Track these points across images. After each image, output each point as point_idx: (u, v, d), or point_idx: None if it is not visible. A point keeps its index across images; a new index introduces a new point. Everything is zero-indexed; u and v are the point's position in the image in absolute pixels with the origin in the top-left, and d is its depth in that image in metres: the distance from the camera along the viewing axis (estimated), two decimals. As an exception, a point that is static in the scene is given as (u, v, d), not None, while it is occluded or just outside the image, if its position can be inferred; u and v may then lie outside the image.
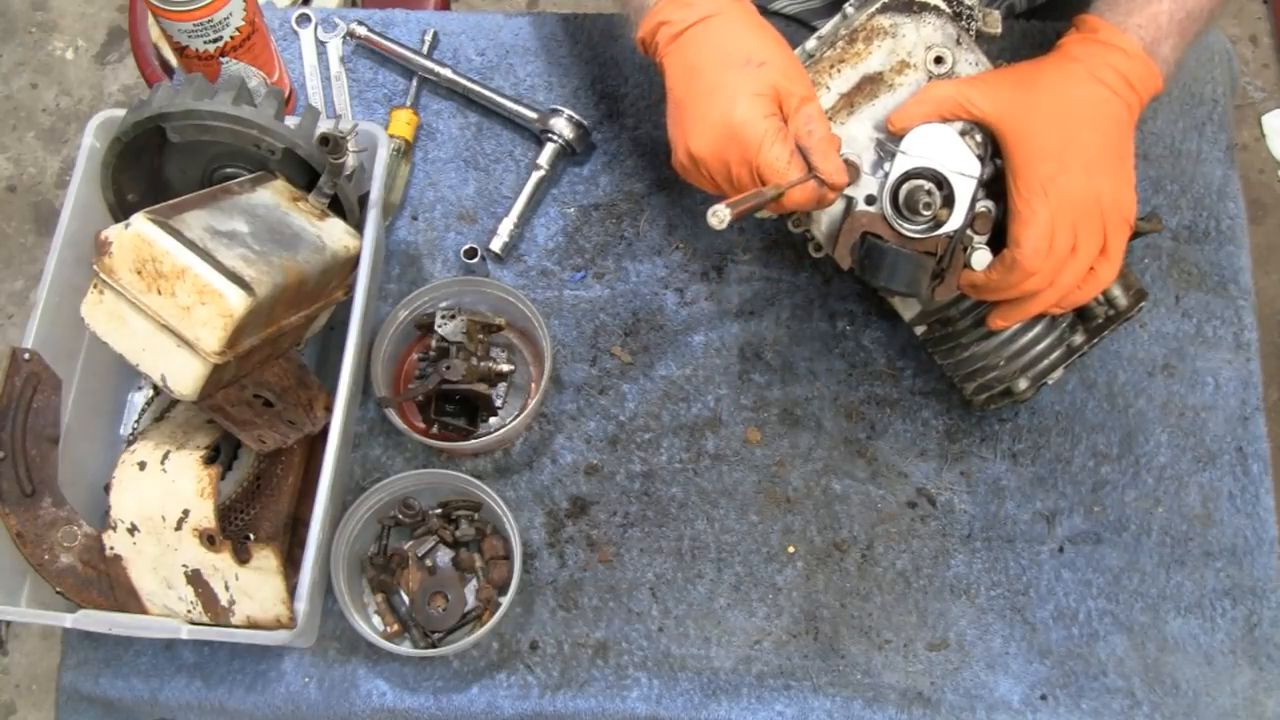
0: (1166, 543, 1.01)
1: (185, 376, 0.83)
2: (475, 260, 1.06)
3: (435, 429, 1.02)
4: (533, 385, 1.06)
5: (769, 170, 0.83)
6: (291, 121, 0.94)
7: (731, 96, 0.84)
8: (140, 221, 0.81)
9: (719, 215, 0.77)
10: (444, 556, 1.01)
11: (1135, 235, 0.89)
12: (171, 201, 0.86)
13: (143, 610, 0.90)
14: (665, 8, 0.89)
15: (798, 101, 0.85)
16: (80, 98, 2.34)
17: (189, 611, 0.89)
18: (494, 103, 1.14)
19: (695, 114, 0.86)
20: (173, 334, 0.82)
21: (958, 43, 0.90)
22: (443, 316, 1.00)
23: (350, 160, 1.00)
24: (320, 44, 1.18)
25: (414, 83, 1.16)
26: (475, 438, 1.02)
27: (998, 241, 0.88)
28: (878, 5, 0.90)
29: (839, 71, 0.91)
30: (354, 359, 0.93)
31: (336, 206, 0.98)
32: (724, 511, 1.02)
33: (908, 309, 0.98)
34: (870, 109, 0.91)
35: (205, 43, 1.01)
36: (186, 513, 0.87)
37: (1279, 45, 2.31)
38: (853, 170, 0.89)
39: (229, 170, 0.96)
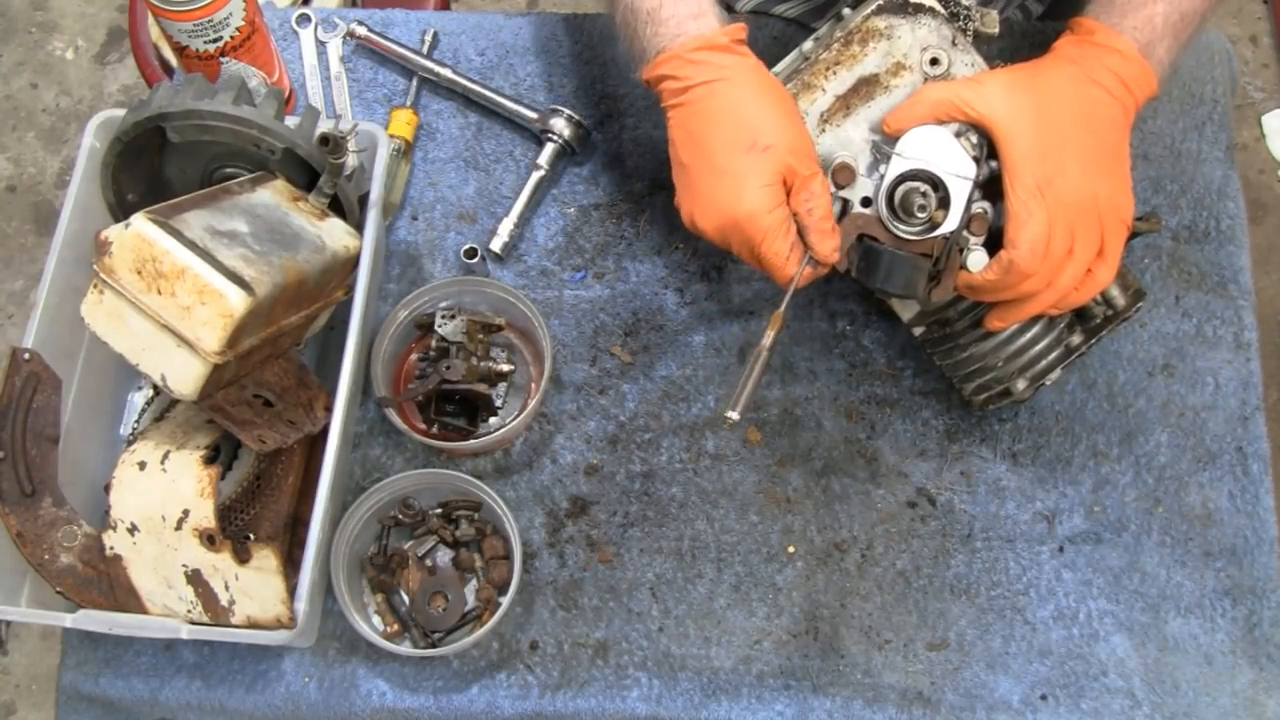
0: (1166, 543, 1.01)
1: (185, 376, 0.83)
2: (475, 260, 1.06)
3: (435, 429, 1.02)
4: (533, 385, 1.06)
5: (771, 263, 0.86)
6: (291, 121, 0.94)
7: (739, 187, 0.85)
8: (140, 221, 0.81)
9: (732, 418, 0.83)
10: (444, 556, 1.01)
11: (1134, 235, 0.89)
12: (171, 201, 0.86)
13: (143, 610, 0.90)
14: (669, 62, 0.88)
15: (800, 181, 0.85)
16: (80, 98, 2.34)
17: (189, 611, 0.89)
18: (494, 103, 1.14)
19: (703, 191, 0.87)
20: (173, 334, 0.82)
21: (953, 44, 0.90)
22: (443, 316, 1.00)
23: (350, 160, 1.00)
24: (320, 44, 1.18)
25: (414, 83, 1.16)
26: (475, 438, 1.02)
27: (995, 243, 0.88)
28: (873, 7, 0.90)
29: (835, 74, 0.91)
30: (354, 359, 0.93)
31: (336, 206, 0.98)
32: (724, 511, 1.02)
33: (906, 310, 0.98)
34: (866, 111, 0.91)
35: (205, 43, 1.01)
36: (186, 513, 0.87)
37: (1279, 45, 2.31)
38: (848, 173, 0.89)
39: (229, 170, 0.96)
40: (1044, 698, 0.96)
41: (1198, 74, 1.15)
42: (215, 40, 1.01)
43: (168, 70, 1.47)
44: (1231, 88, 1.16)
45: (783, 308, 0.87)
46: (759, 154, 0.85)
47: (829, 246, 0.86)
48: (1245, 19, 2.34)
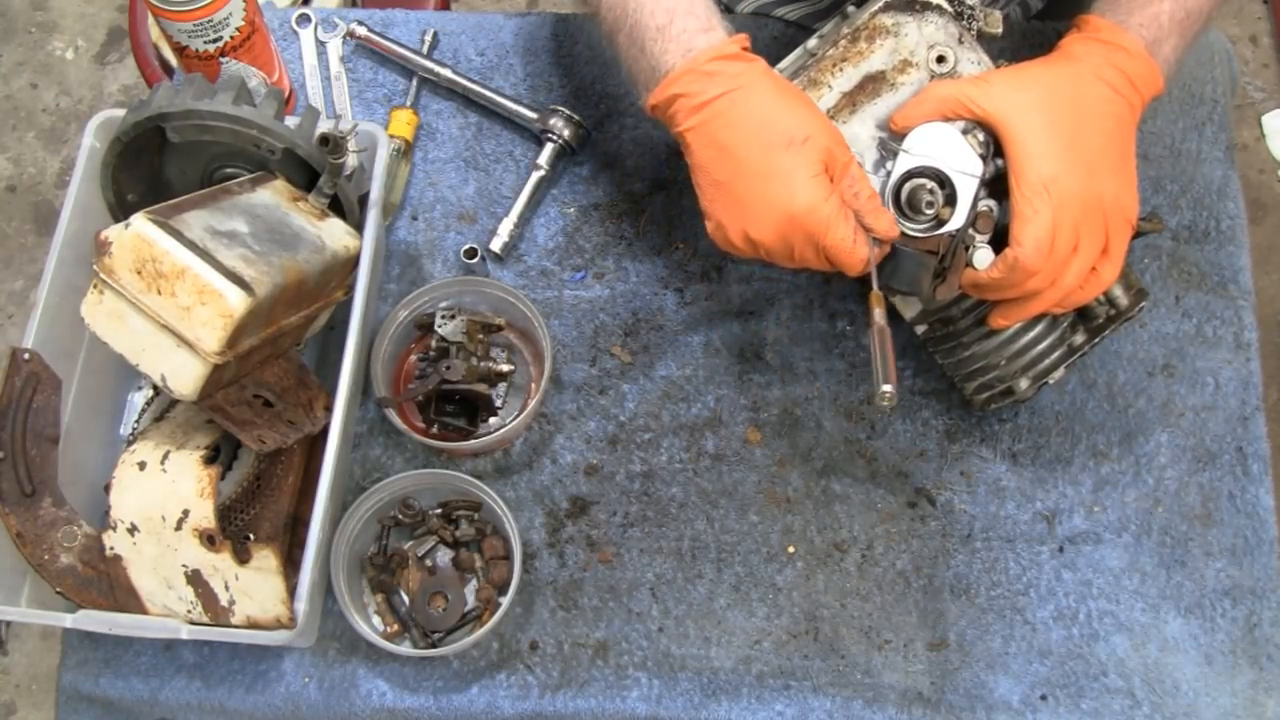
0: (1166, 543, 1.01)
1: (185, 376, 0.83)
2: (475, 260, 1.06)
3: (435, 429, 1.02)
4: (533, 385, 1.06)
5: (837, 251, 0.84)
6: (291, 121, 0.94)
7: (790, 184, 0.83)
8: (140, 221, 0.81)
9: (888, 396, 0.80)
10: (444, 556, 1.01)
11: (1136, 235, 0.89)
12: (171, 201, 0.86)
13: (143, 610, 0.90)
14: (681, 79, 0.86)
15: (840, 168, 0.85)
16: (80, 98, 2.34)
17: (189, 611, 0.89)
18: (494, 103, 1.14)
19: (753, 200, 0.85)
20: (173, 334, 0.82)
21: (960, 42, 0.90)
22: (443, 316, 1.00)
23: (350, 160, 1.00)
24: (320, 44, 1.18)
25: (414, 83, 1.16)
26: (475, 438, 1.02)
27: (1000, 241, 0.88)
28: (880, 4, 0.90)
29: (841, 70, 0.91)
30: (354, 359, 0.93)
31: (336, 206, 0.98)
32: (724, 511, 1.02)
33: (908, 308, 0.98)
34: (872, 108, 0.91)
35: (205, 43, 1.01)
36: (186, 513, 0.87)
37: (1279, 45, 2.31)
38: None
39: (229, 170, 0.96)
40: (1044, 698, 0.96)
41: (1198, 74, 1.15)
42: (215, 40, 1.01)
43: (168, 70, 1.47)
44: (1231, 88, 1.16)
45: (875, 288, 0.85)
46: (799, 147, 0.83)
47: (886, 222, 0.85)
48: (1245, 19, 2.34)
